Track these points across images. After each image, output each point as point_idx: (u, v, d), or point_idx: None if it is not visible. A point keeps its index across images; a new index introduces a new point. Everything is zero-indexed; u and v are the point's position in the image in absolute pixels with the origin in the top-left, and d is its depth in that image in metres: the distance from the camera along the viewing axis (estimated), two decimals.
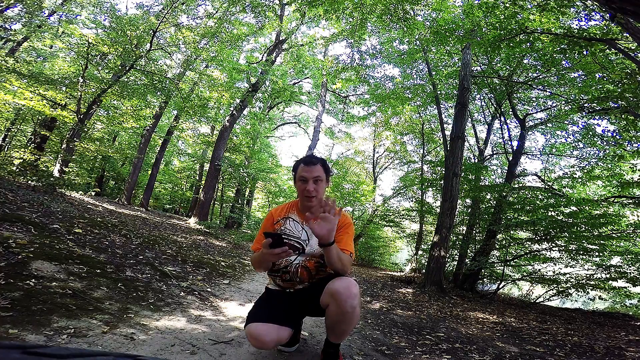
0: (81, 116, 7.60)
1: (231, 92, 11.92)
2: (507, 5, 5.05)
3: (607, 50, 4.86)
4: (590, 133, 7.38)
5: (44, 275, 2.08)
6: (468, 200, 8.94)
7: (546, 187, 7.95)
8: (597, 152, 7.98)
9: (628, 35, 3.86)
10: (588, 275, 5.95)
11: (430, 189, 10.92)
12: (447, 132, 8.30)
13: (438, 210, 7.80)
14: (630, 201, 6.40)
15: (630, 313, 6.12)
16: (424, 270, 8.24)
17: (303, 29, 13.70)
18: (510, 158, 8.27)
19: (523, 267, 7.15)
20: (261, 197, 20.98)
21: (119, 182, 17.33)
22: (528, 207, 6.69)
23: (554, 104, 8.45)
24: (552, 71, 7.09)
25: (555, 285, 6.10)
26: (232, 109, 11.94)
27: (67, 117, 7.64)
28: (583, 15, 5.64)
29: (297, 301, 1.69)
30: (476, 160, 9.89)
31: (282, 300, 1.69)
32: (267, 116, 15.83)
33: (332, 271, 1.61)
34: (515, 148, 8.17)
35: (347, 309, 1.48)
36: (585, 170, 7.68)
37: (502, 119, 9.00)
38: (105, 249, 3.22)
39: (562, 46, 4.96)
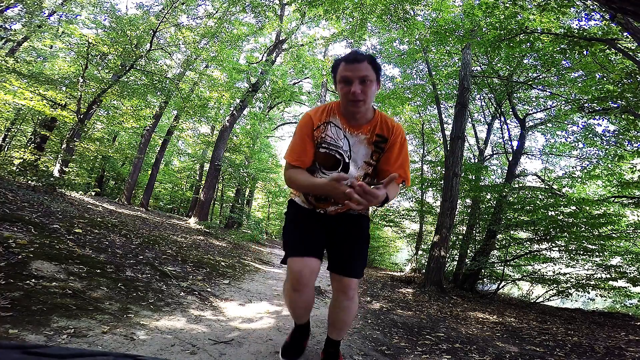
0: (81, 116, 7.60)
1: (231, 92, 11.92)
2: (507, 5, 5.06)
3: (607, 50, 4.86)
4: (590, 133, 7.39)
5: (44, 275, 2.08)
6: (468, 200, 8.94)
7: (546, 187, 7.95)
8: (597, 152, 7.98)
9: (628, 35, 3.87)
10: (588, 275, 5.95)
11: (430, 189, 10.91)
12: (447, 132, 8.30)
13: (438, 210, 7.80)
14: (630, 201, 6.40)
15: (630, 313, 6.12)
16: (424, 270, 8.24)
17: (303, 29, 13.70)
18: (510, 158, 8.26)
19: (523, 267, 7.14)
20: (261, 197, 20.99)
21: (119, 182, 17.33)
22: (528, 207, 6.69)
23: (554, 104, 8.45)
24: (552, 71, 7.09)
25: (555, 285, 6.10)
26: (232, 109, 11.94)
27: (67, 117, 7.64)
28: (583, 15, 5.65)
29: (324, 226, 1.54)
30: (476, 160, 9.89)
31: (311, 223, 1.53)
32: (267, 116, 15.83)
33: None
34: (515, 148, 8.17)
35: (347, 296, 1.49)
36: (585, 170, 7.68)
37: (502, 119, 9.01)
38: (105, 249, 3.22)
39: (562, 46, 4.97)
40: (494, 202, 7.44)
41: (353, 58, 1.29)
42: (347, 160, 1.41)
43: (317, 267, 1.46)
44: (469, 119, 9.51)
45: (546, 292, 6.45)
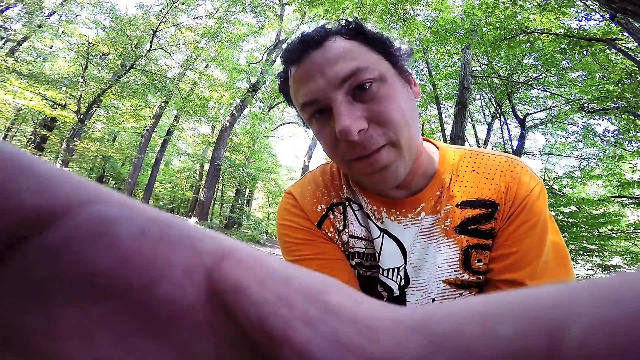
0: (81, 116, 7.61)
1: (231, 92, 11.94)
2: (507, 5, 5.06)
3: (607, 50, 4.87)
4: (590, 133, 7.40)
5: None
6: None
7: (546, 187, 7.95)
8: (597, 152, 8.00)
9: (628, 35, 3.87)
10: (588, 276, 5.96)
11: None
12: (447, 132, 8.30)
13: None
14: (630, 201, 6.40)
15: None
16: None
17: (303, 28, 13.69)
18: None
19: None
20: (261, 197, 21.00)
21: (119, 182, 17.32)
22: None
23: (554, 104, 8.47)
24: (552, 71, 7.10)
25: None
26: (232, 109, 11.95)
27: (67, 117, 7.65)
28: (583, 15, 5.65)
29: None
30: None
31: None
32: (267, 116, 15.85)
33: None
34: (515, 148, 8.17)
35: None
36: (585, 170, 7.69)
37: (502, 119, 9.01)
38: None
39: (562, 46, 4.98)
40: None
41: (306, 44, 0.49)
42: (401, 287, 0.58)
43: None
44: (469, 119, 9.53)
45: None
